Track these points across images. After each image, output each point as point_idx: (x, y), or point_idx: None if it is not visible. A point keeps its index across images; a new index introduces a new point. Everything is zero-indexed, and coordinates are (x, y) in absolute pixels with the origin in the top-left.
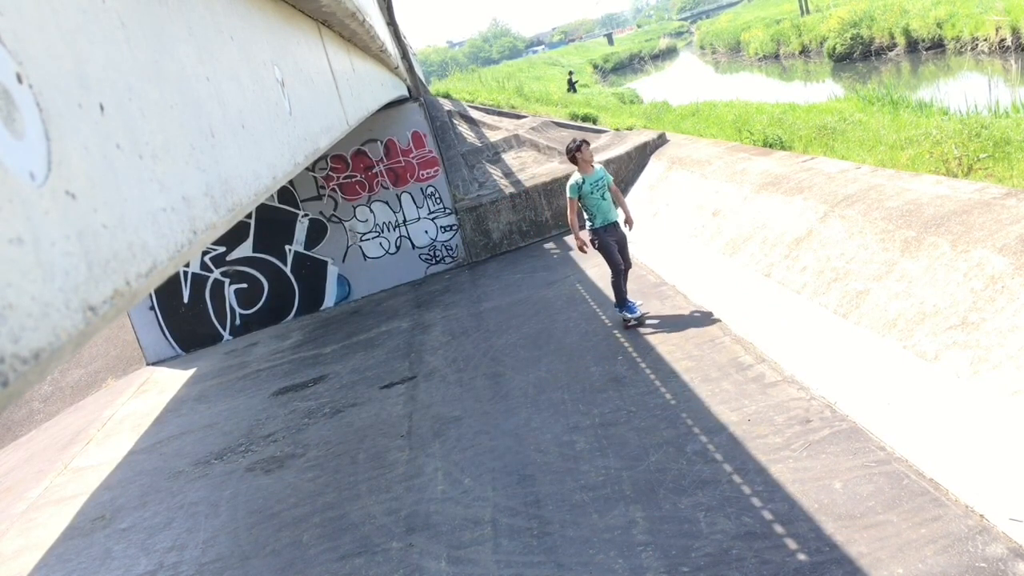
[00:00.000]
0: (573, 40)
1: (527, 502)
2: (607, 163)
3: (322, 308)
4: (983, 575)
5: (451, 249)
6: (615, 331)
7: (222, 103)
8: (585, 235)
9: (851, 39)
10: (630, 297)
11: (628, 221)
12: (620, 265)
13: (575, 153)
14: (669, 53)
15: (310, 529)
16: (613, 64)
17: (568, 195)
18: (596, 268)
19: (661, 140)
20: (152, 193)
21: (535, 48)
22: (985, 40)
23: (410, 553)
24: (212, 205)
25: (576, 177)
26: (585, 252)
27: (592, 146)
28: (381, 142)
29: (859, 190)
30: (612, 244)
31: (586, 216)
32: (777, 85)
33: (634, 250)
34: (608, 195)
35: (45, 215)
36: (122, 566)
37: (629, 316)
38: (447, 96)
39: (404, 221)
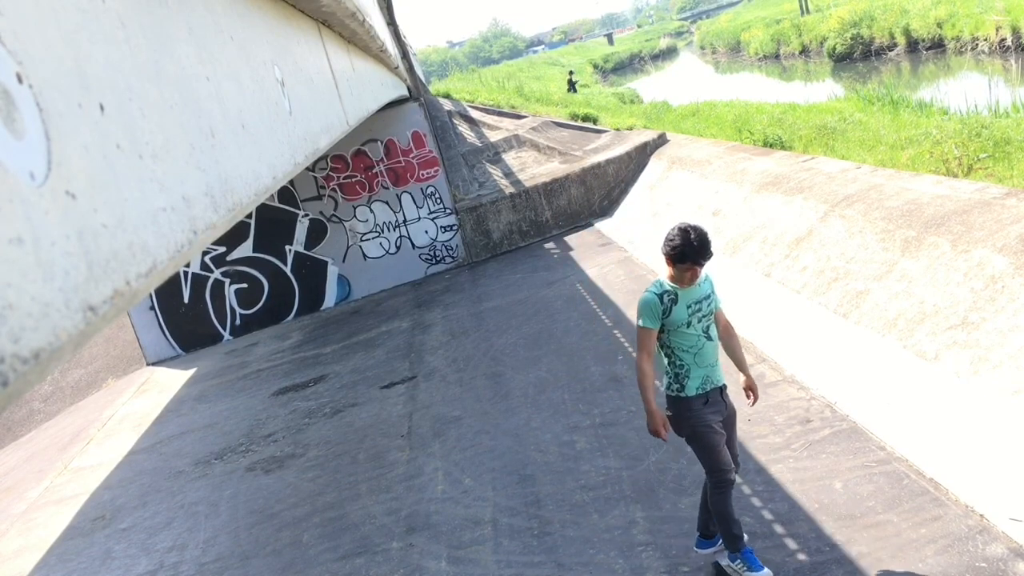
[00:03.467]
0: (573, 40)
1: (527, 502)
2: (607, 163)
3: (322, 308)
4: (983, 575)
5: (451, 249)
6: (615, 331)
7: (222, 103)
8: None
9: (851, 39)
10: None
11: (749, 387)
12: (729, 468)
13: (694, 265)
14: (669, 53)
15: (310, 529)
16: (613, 64)
17: (639, 321)
18: (596, 268)
19: (661, 140)
20: (152, 193)
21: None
22: (985, 40)
23: (410, 553)
24: (212, 205)
25: (661, 286)
26: (665, 439)
27: (592, 146)
28: (381, 142)
29: (859, 190)
30: (715, 429)
31: (667, 369)
32: (777, 85)
33: (634, 251)
34: (714, 330)
35: (45, 215)
36: (122, 566)
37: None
38: (447, 96)
39: (404, 221)
